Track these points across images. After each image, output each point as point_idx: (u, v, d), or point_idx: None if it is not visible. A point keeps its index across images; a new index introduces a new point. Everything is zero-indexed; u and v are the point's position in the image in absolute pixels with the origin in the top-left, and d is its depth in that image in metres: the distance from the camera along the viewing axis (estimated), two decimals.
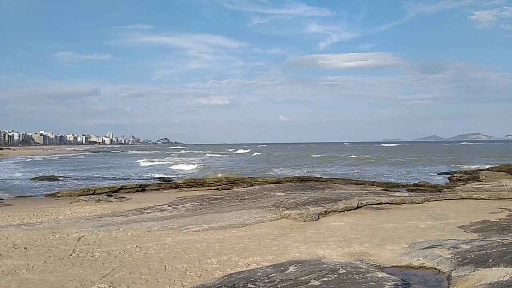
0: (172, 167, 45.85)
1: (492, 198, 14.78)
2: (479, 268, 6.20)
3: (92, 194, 19.80)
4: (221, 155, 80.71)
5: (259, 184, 21.67)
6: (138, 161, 59.60)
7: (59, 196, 19.97)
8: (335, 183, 22.33)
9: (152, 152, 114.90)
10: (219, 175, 28.43)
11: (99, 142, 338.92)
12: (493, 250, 7.05)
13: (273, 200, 14.21)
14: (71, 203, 17.37)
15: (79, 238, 9.39)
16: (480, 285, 5.50)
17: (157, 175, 33.83)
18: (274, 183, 22.11)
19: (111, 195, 19.16)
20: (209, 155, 79.55)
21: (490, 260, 6.46)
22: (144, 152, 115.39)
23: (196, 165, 44.78)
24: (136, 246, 8.51)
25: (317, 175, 27.78)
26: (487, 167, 31.64)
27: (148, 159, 62.74)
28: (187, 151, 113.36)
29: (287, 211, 11.89)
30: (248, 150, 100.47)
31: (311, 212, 11.74)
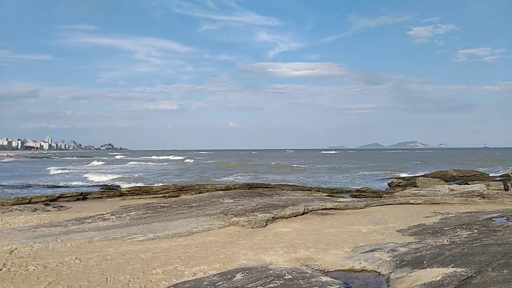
0: (86, 175, 40.54)
1: (427, 203, 15.77)
2: (415, 270, 6.57)
3: (28, 203, 18.48)
4: (147, 163, 73.86)
5: (208, 191, 21.46)
6: (49, 168, 53.56)
7: None
8: (283, 190, 22.67)
9: (83, 158, 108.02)
10: (126, 185, 26.75)
11: (37, 148, 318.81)
12: (428, 252, 7.52)
13: (222, 207, 14.14)
14: (3, 213, 16.07)
15: (11, 251, 8.72)
16: (415, 285, 5.83)
17: (61, 184, 30.65)
18: (223, 190, 22.01)
19: (49, 204, 18.00)
20: (132, 162, 73.21)
21: (425, 262, 6.88)
22: (78, 158, 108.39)
23: (113, 176, 38.76)
24: (76, 258, 8.07)
25: (265, 182, 28.04)
26: (423, 174, 33.85)
27: (61, 167, 56.53)
28: (124, 157, 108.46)
29: (236, 218, 11.88)
30: (183, 157, 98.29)
31: (259, 219, 11.82)
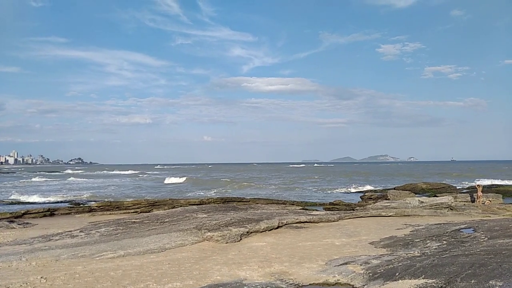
0: (12, 192, 35.10)
1: (398, 215, 16.09)
2: (388, 282, 6.65)
3: None
4: (89, 179, 67.82)
5: (181, 206, 21.13)
6: None
7: None
8: (257, 203, 22.62)
9: (36, 173, 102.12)
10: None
11: (1, 162, 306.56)
12: (399, 264, 7.64)
13: (195, 222, 13.93)
14: None
15: None
16: None
17: None
18: (197, 204, 21.74)
19: (13, 221, 17.21)
20: (72, 179, 68.10)
21: (397, 274, 6.98)
22: (29, 173, 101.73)
23: (36, 197, 31.17)
24: (41, 277, 7.71)
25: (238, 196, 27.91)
26: (394, 187, 34.63)
27: None
28: (74, 172, 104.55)
29: (209, 233, 11.72)
30: (137, 172, 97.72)
31: (233, 233, 11.71)
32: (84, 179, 67.02)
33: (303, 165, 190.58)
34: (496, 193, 23.81)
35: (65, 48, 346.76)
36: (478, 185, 22.23)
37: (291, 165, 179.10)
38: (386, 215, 16.12)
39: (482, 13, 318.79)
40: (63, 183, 57.43)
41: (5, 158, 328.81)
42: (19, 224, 16.52)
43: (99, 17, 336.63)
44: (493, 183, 40.11)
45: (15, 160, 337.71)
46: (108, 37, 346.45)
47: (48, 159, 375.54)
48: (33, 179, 66.23)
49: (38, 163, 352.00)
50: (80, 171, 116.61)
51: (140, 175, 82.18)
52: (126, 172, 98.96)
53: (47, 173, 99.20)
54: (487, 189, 28.21)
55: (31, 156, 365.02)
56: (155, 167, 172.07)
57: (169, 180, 57.71)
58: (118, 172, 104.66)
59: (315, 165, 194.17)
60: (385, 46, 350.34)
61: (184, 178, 60.71)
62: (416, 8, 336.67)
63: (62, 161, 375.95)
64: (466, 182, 43.81)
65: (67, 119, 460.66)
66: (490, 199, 20.66)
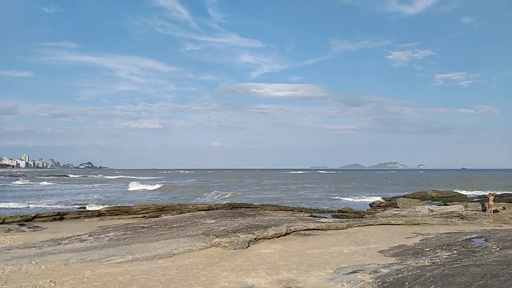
0: None
1: (408, 224, 15.92)
2: None
3: (1, 223, 17.84)
4: (67, 184, 66.04)
5: (189, 212, 21.19)
6: None
7: None
8: (265, 210, 22.59)
9: (31, 176, 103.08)
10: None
11: (13, 166, 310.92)
12: (409, 274, 7.54)
13: (203, 228, 13.94)
14: None
15: None
16: None
17: None
18: (205, 210, 21.78)
19: (23, 224, 17.41)
20: (45, 183, 67.02)
21: (407, 283, 6.88)
22: (38, 176, 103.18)
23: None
24: (50, 281, 7.76)
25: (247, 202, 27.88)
26: (403, 195, 34.30)
27: None
28: (73, 176, 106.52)
29: (217, 239, 11.71)
30: (130, 176, 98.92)
31: (241, 240, 11.68)
32: (57, 183, 66.74)
33: (300, 171, 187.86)
34: (508, 202, 23.46)
35: (76, 53, 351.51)
36: (489, 194, 21.92)
37: (292, 172, 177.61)
38: (396, 223, 15.96)
39: (493, 20, 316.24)
40: (33, 188, 55.65)
41: (17, 161, 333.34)
42: (29, 228, 16.69)
43: (110, 24, 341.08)
44: (505, 192, 39.51)
45: (26, 163, 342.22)
46: (118, 43, 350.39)
47: (58, 163, 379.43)
48: (15, 183, 67.44)
49: (48, 167, 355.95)
50: (77, 176, 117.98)
51: (128, 181, 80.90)
52: (114, 177, 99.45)
53: (44, 177, 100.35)
54: (499, 198, 27.79)
55: (41, 160, 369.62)
56: (158, 172, 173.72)
57: (134, 187, 54.90)
58: (109, 177, 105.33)
59: (319, 171, 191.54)
60: (395, 53, 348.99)
61: (160, 185, 57.00)
62: (426, 15, 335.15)
63: (72, 165, 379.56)
64: (477, 191, 43.26)
65: (78, 124, 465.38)
66: (501, 208, 20.35)
